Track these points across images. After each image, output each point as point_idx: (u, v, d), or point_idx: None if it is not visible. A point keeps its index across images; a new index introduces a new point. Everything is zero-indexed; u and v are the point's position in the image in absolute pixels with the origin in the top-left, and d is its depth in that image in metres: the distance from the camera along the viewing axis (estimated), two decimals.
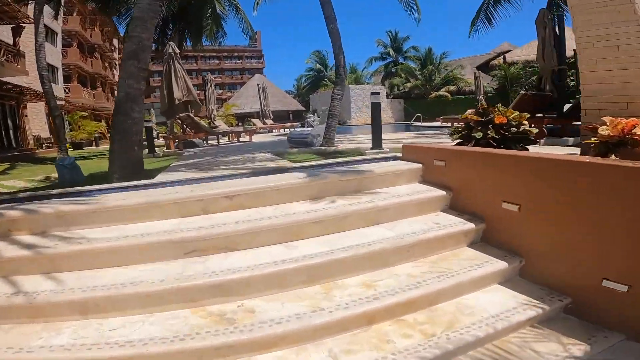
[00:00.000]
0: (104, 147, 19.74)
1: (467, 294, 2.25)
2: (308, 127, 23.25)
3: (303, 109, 46.91)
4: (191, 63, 61.62)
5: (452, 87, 28.47)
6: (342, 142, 6.84)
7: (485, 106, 3.32)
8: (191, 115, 8.38)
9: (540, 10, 7.08)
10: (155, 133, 20.02)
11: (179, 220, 2.64)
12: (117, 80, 32.89)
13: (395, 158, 3.87)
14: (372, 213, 2.74)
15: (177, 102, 8.20)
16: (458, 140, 3.40)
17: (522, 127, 3.22)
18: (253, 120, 17.89)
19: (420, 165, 3.30)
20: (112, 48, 37.10)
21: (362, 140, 7.88)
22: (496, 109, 3.25)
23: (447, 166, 3.03)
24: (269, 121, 18.71)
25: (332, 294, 2.14)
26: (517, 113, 3.24)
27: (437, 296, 2.17)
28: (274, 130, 17.74)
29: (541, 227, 2.32)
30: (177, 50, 8.35)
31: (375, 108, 5.02)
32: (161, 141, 11.81)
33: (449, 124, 15.55)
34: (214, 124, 14.53)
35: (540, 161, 2.33)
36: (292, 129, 17.45)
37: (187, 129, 8.94)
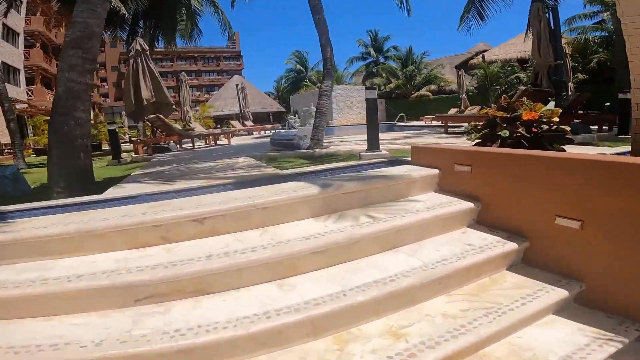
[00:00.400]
0: None
1: (519, 330, 1.72)
2: (289, 128, 22.49)
3: (283, 110, 46.07)
4: (166, 64, 59.59)
5: (433, 87, 28.44)
6: (331, 144, 6.24)
7: (509, 100, 2.79)
8: (161, 116, 7.57)
9: (534, 4, 6.74)
10: (127, 137, 18.81)
11: (126, 253, 1.96)
12: None
13: (400, 162, 3.30)
14: (389, 235, 2.16)
15: (145, 102, 7.38)
16: (478, 140, 2.85)
17: (553, 124, 2.71)
18: (232, 122, 17.06)
19: (436, 171, 2.74)
20: None
21: (352, 141, 7.32)
22: (523, 104, 2.73)
23: (473, 172, 2.47)
24: (249, 123, 17.93)
25: (348, 351, 1.54)
26: (548, 108, 2.73)
27: (487, 340, 1.61)
28: (254, 133, 16.97)
29: (610, 246, 1.80)
30: (146, 47, 7.53)
31: (372, 105, 4.46)
32: (131, 146, 10.86)
33: (440, 123, 15.43)
34: (189, 126, 13.65)
35: (611, 166, 1.80)
36: (274, 130, 16.76)
37: (158, 132, 8.11)
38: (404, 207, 2.44)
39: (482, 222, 2.45)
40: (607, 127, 7.27)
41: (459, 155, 2.58)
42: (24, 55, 24.62)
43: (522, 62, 20.66)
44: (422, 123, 18.77)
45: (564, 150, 2.70)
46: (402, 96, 30.28)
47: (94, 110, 36.06)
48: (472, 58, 34.00)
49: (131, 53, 7.47)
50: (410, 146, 4.86)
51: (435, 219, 2.33)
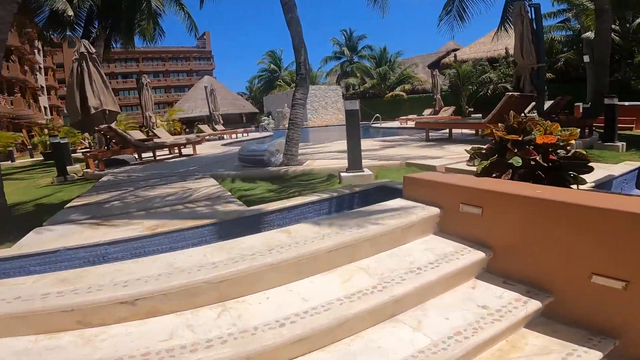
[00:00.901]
0: (22, 160, 16.75)
1: None
2: (263, 130, 21.56)
3: (256, 111, 44.96)
4: (131, 65, 56.84)
5: (407, 86, 28.40)
6: (306, 158, 5.62)
7: (520, 119, 2.30)
8: (113, 127, 6.68)
9: (516, 2, 6.42)
10: (87, 143, 17.31)
11: (27, 342, 1.36)
12: (39, 86, 28.89)
13: (389, 190, 2.76)
14: (387, 306, 1.61)
15: (93, 111, 6.49)
16: (484, 167, 2.35)
17: (570, 148, 2.24)
18: (201, 126, 16.08)
19: (436, 210, 2.22)
20: (34, 50, 32.62)
21: (329, 152, 6.73)
22: (537, 124, 2.25)
23: (484, 214, 1.96)
24: (219, 127, 16.99)
25: None
26: (567, 130, 2.26)
27: None
28: (225, 137, 16.06)
29: None
30: (92, 50, 6.61)
31: (352, 117, 3.89)
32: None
33: (423, 126, 15.42)
34: (152, 132, 12.62)
35: None
36: (244, 135, 15.87)
37: (112, 143, 7.20)
38: (401, 263, 1.89)
39: (494, 271, 1.96)
40: (587, 132, 7.09)
41: (467, 193, 2.06)
42: None
43: (491, 61, 20.87)
44: (397, 124, 18.52)
45: (585, 182, 2.24)
46: (376, 96, 30.10)
47: (51, 113, 33.53)
48: (444, 57, 34.45)
49: (74, 57, 6.53)
50: (396, 162, 4.42)
51: (441, 279, 1.81)
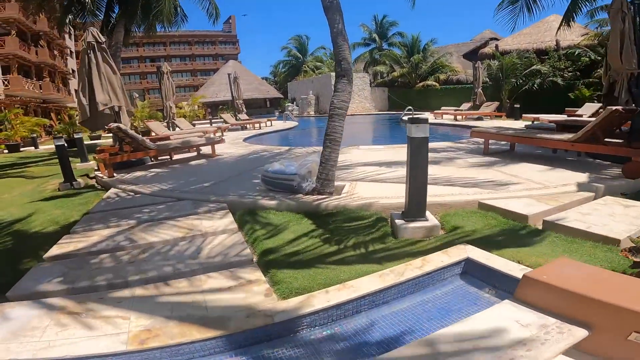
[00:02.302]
0: (46, 147, 16.68)
1: None
2: (286, 119, 20.63)
3: (281, 96, 44.07)
4: (159, 49, 56.97)
5: (442, 76, 26.52)
6: (342, 177, 4.62)
7: None
8: (122, 127, 5.95)
9: None
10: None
11: None
12: (70, 70, 29.24)
13: (474, 269, 1.81)
14: None
15: (101, 108, 5.78)
16: None
17: None
18: (224, 116, 15.36)
19: (583, 333, 1.25)
20: (64, 35, 32.88)
21: (365, 163, 5.75)
22: None
23: None
24: (243, 116, 16.22)
25: None
26: None
27: None
28: (247, 127, 15.27)
29: None
30: (102, 39, 5.82)
31: (419, 148, 2.87)
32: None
33: (454, 118, 13.27)
34: (172, 122, 12.01)
35: None
36: (267, 125, 14.76)
37: (124, 143, 6.51)
38: None
39: None
40: None
41: None
42: None
43: (538, 53, 18.96)
44: (430, 117, 17.05)
45: None
46: (405, 85, 28.42)
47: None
48: (482, 47, 32.05)
49: (82, 47, 5.81)
50: (459, 197, 3.33)
51: None
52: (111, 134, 6.81)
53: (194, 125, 15.81)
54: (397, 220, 3.03)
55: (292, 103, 33.67)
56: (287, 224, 3.34)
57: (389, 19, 32.78)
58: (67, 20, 10.83)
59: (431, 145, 7.46)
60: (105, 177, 5.88)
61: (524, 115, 11.54)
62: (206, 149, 7.59)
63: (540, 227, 3.13)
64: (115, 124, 5.96)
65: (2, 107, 20.33)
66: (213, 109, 39.58)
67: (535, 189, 3.84)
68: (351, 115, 28.37)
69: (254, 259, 2.67)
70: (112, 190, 4.98)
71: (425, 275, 2.35)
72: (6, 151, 15.25)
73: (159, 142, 6.66)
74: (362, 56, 34.48)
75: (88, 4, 9.31)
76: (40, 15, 14.72)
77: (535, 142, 5.06)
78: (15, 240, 3.50)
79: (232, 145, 9.20)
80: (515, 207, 3.29)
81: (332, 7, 3.77)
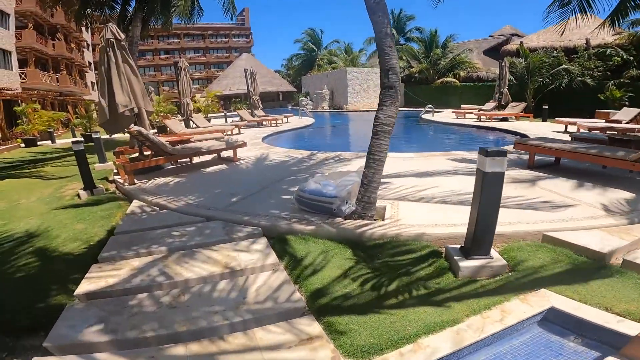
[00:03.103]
0: (63, 140, 16.68)
1: None
2: (302, 114, 20.18)
3: (294, 90, 43.64)
4: (173, 41, 57.00)
5: (462, 73, 25.70)
6: (382, 192, 4.22)
7: None
8: (144, 131, 5.68)
9: None
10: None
11: None
12: (87, 62, 29.23)
13: (562, 319, 1.44)
14: None
15: (121, 110, 5.52)
16: None
17: None
18: (240, 112, 15.07)
19: None
20: (81, 28, 32.97)
21: (403, 174, 5.37)
22: None
23: None
24: (259, 112, 15.91)
25: None
26: None
27: None
28: (263, 123, 14.94)
29: None
30: (121, 35, 5.53)
31: (493, 184, 2.46)
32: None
33: (477, 118, 11.46)
34: (190, 120, 11.78)
35: None
36: (284, 121, 14.12)
37: (144, 147, 6.26)
38: None
39: None
40: None
41: None
42: (16, 36, 22.68)
43: (567, 52, 18.11)
44: (451, 116, 16.30)
45: None
46: (423, 81, 27.65)
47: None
48: (503, 44, 30.96)
49: (101, 44, 5.53)
50: (518, 228, 2.95)
51: None
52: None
53: (209, 120, 15.60)
54: (456, 257, 2.67)
55: (306, 97, 33.24)
56: (330, 255, 3.01)
57: (406, 13, 31.94)
58: (84, 13, 10.61)
59: (463, 154, 7.20)
60: (125, 184, 5.64)
61: (557, 118, 10.89)
62: (227, 151, 7.30)
63: (619, 266, 2.74)
64: (137, 128, 5.70)
65: (20, 101, 20.44)
66: (226, 101, 39.47)
67: (600, 217, 3.43)
68: (367, 110, 27.89)
69: (305, 304, 2.35)
70: (135, 203, 4.70)
71: (506, 329, 2.03)
72: (23, 145, 15.29)
73: (179, 147, 6.36)
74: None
75: None
76: (57, 8, 14.65)
77: (592, 159, 4.60)
78: (38, 261, 3.26)
79: (252, 146, 8.88)
80: (589, 242, 2.89)
81: (379, 7, 3.37)
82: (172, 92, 48.38)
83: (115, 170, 6.85)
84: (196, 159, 7.10)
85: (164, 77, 55.03)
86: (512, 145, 6.20)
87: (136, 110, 5.91)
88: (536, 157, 5.68)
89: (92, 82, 36.35)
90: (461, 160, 6.19)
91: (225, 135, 10.56)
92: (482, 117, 14.48)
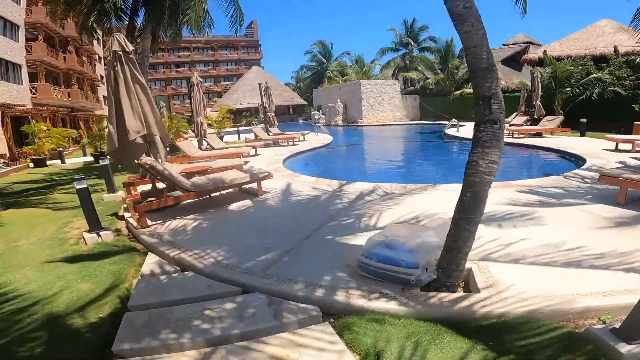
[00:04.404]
0: (73, 160, 16.06)
1: None
2: (317, 130, 19.22)
3: (304, 103, 43.11)
4: (183, 54, 57.34)
5: None
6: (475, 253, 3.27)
7: None
8: (157, 165, 4.83)
9: None
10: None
11: None
12: (99, 76, 28.94)
13: None
14: None
15: (132, 137, 4.71)
16: None
17: None
18: (256, 130, 14.29)
19: None
20: (92, 41, 32.99)
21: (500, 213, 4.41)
22: None
23: None
24: (275, 130, 15.11)
25: None
26: None
27: None
28: (279, 142, 14.11)
29: None
30: (129, 47, 4.75)
31: None
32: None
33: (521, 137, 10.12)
34: (204, 140, 11.01)
35: None
36: (302, 139, 13.09)
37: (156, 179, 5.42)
38: None
39: None
40: None
41: None
42: (26, 49, 22.42)
43: (597, 60, 17.10)
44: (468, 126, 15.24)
45: None
46: (439, 93, 26.77)
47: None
48: (522, 53, 30.02)
49: (108, 58, 4.74)
50: None
51: None
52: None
53: (222, 138, 14.83)
54: (611, 342, 1.81)
55: (319, 111, 32.57)
56: (422, 345, 2.09)
57: (420, 23, 31.29)
58: (89, 24, 9.98)
59: (529, 183, 5.76)
60: (138, 225, 4.79)
61: (607, 135, 9.80)
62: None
63: None
64: (149, 161, 4.86)
65: (30, 117, 20.05)
66: (236, 116, 39.02)
67: None
68: (382, 125, 27.01)
69: None
70: (151, 258, 3.79)
71: None
72: (32, 165, 14.70)
73: (198, 180, 5.47)
74: (393, 61, 33.04)
75: (109, 6, 8.38)
76: (69, 19, 14.25)
77: None
78: (35, 340, 2.39)
79: (273, 171, 7.97)
80: None
81: (470, 14, 2.49)
82: (182, 106, 48.28)
83: (125, 204, 6.02)
84: (216, 193, 6.22)
85: (174, 91, 55.16)
86: (590, 174, 5.20)
87: (149, 137, 5.08)
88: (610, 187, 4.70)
89: (103, 96, 36.26)
90: (531, 192, 5.19)
91: (242, 158, 9.74)
92: (514, 132, 13.48)
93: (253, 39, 62.56)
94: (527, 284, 2.71)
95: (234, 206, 5.51)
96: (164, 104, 21.76)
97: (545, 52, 20.77)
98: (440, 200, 5.04)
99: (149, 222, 4.82)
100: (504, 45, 34.79)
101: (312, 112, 32.09)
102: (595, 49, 18.91)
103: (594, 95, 15.16)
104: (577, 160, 8.15)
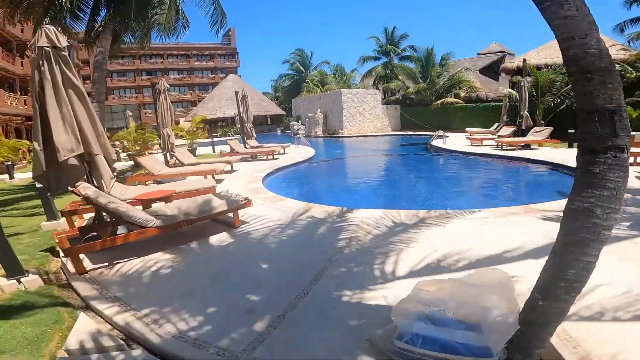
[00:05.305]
0: (25, 176, 14.18)
1: None
2: (297, 142, 18.04)
3: (283, 113, 41.96)
4: (156, 61, 55.05)
5: (462, 93, 24.59)
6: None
7: None
8: (95, 195, 3.64)
9: None
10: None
11: None
12: None
13: None
14: None
15: (63, 158, 3.51)
16: None
17: None
18: (231, 142, 13.06)
19: None
20: None
21: (504, 253, 3.47)
22: None
23: None
24: (252, 142, 13.91)
25: None
26: None
27: None
28: (257, 156, 12.87)
29: None
30: (62, 43, 3.57)
31: None
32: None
33: (496, 147, 8.99)
34: (173, 156, 9.72)
35: None
36: (282, 153, 11.85)
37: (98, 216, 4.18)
38: None
39: None
40: None
41: None
42: None
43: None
44: (462, 142, 14.57)
45: None
46: (420, 102, 26.42)
47: None
48: (499, 62, 30.41)
49: (32, 56, 3.54)
50: None
51: None
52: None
53: (194, 152, 13.46)
54: None
55: (298, 121, 31.55)
56: None
57: (400, 32, 31.10)
58: (44, 23, 8.64)
59: (550, 207, 4.57)
60: (74, 277, 3.55)
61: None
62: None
63: None
64: (86, 190, 3.65)
65: None
66: (212, 126, 37.40)
67: None
68: (364, 136, 26.25)
69: None
70: (84, 325, 2.54)
71: None
72: None
73: (159, 210, 4.27)
74: (374, 70, 32.64)
75: (65, 2, 7.13)
76: (29, 22, 12.66)
77: None
78: None
79: (253, 192, 6.84)
80: None
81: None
82: (154, 115, 45.82)
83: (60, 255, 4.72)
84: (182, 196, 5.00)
85: (145, 99, 52.65)
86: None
87: (87, 157, 3.87)
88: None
89: None
90: (548, 217, 4.37)
91: (217, 175, 8.55)
92: (503, 144, 12.97)
93: (230, 46, 61.14)
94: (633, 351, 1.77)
95: (206, 243, 4.35)
96: (131, 114, 20.08)
97: (525, 60, 20.81)
98: (462, 233, 4.09)
99: (90, 264, 3.61)
100: (478, 54, 35.32)
101: (291, 123, 31.04)
102: None
103: (574, 104, 15.04)
104: None
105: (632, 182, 6.47)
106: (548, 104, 16.29)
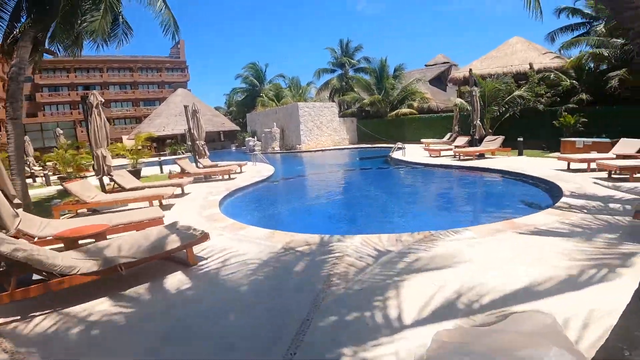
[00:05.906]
0: None
1: None
2: (255, 159, 17.21)
3: (237, 128, 40.57)
4: (94, 75, 51.07)
5: (415, 104, 25.32)
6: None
7: None
8: (5, 252, 2.69)
9: None
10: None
11: None
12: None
13: None
14: None
15: None
16: None
17: None
18: (181, 162, 11.88)
19: None
20: None
21: (528, 290, 3.02)
22: None
23: None
24: (205, 161, 12.83)
25: None
26: None
27: None
28: (211, 176, 11.81)
29: None
30: None
31: None
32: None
33: (454, 157, 9.43)
34: (112, 180, 8.47)
35: None
36: (239, 172, 10.90)
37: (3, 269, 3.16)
38: None
39: None
40: None
41: None
42: None
43: (516, 77, 18.23)
44: (419, 154, 14.77)
45: None
46: (375, 114, 26.84)
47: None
48: (446, 73, 32.03)
49: None
50: None
51: None
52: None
53: (138, 174, 12.01)
54: None
55: (253, 137, 30.55)
56: None
57: (354, 44, 31.63)
58: None
59: (525, 222, 4.15)
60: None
61: (561, 156, 9.43)
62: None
63: None
64: None
65: None
66: (160, 144, 35.04)
67: None
68: (322, 150, 25.92)
69: None
70: None
71: None
72: None
73: (87, 251, 3.33)
74: (330, 82, 32.75)
75: None
76: None
77: None
78: None
79: (210, 221, 5.98)
80: None
81: None
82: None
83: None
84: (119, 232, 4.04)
85: (81, 115, 48.33)
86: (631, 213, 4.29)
87: None
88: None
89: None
90: (537, 232, 4.11)
91: (165, 201, 7.53)
92: (460, 154, 13.23)
93: (179, 59, 58.63)
94: None
95: (156, 287, 3.47)
96: (62, 132, 17.87)
97: (471, 70, 21.97)
98: (460, 259, 3.62)
99: None
100: (426, 65, 37.06)
101: (247, 139, 30.01)
102: (512, 67, 19.93)
103: (517, 112, 15.92)
104: (545, 185, 7.61)
105: (593, 189, 6.59)
106: (494, 113, 17.04)
